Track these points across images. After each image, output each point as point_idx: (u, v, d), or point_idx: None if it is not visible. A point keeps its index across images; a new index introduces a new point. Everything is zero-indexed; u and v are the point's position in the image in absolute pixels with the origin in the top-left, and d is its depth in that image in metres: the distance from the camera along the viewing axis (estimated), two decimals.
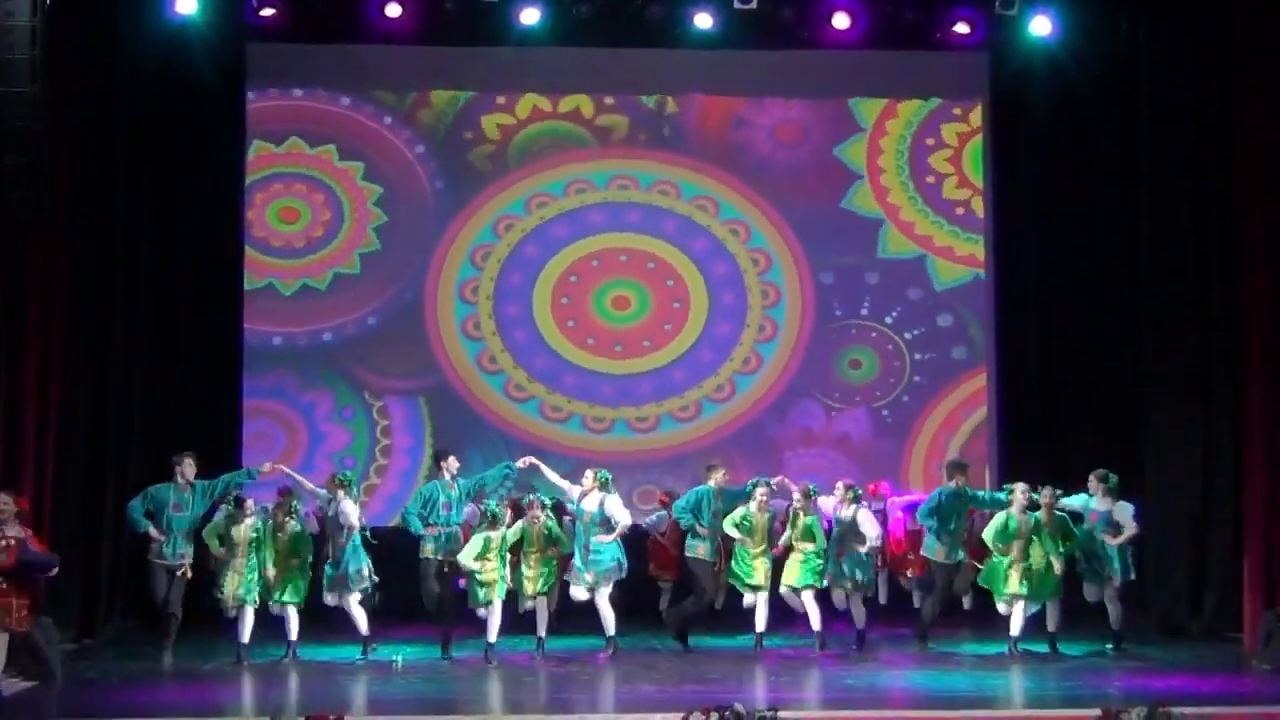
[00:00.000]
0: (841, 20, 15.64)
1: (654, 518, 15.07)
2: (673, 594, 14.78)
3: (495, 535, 13.05)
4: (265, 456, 14.87)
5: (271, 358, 16.05)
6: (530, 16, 15.42)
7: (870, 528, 13.60)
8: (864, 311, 16.50)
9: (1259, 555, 13.65)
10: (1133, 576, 13.62)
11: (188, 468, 13.31)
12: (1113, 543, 13.46)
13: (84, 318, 14.37)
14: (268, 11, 15.40)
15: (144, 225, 15.28)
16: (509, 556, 13.29)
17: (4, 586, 11.32)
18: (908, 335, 16.48)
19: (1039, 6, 15.42)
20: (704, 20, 15.53)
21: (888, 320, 16.47)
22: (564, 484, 13.81)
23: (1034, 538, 13.27)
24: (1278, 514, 13.62)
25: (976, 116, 16.63)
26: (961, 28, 15.87)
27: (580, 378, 16.34)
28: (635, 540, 14.50)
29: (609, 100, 16.52)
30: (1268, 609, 13.17)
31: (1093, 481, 13.65)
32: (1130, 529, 13.51)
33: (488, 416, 16.23)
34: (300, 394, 16.10)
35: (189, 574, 13.23)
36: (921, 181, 16.57)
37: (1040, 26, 15.52)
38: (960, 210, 16.55)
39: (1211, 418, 14.68)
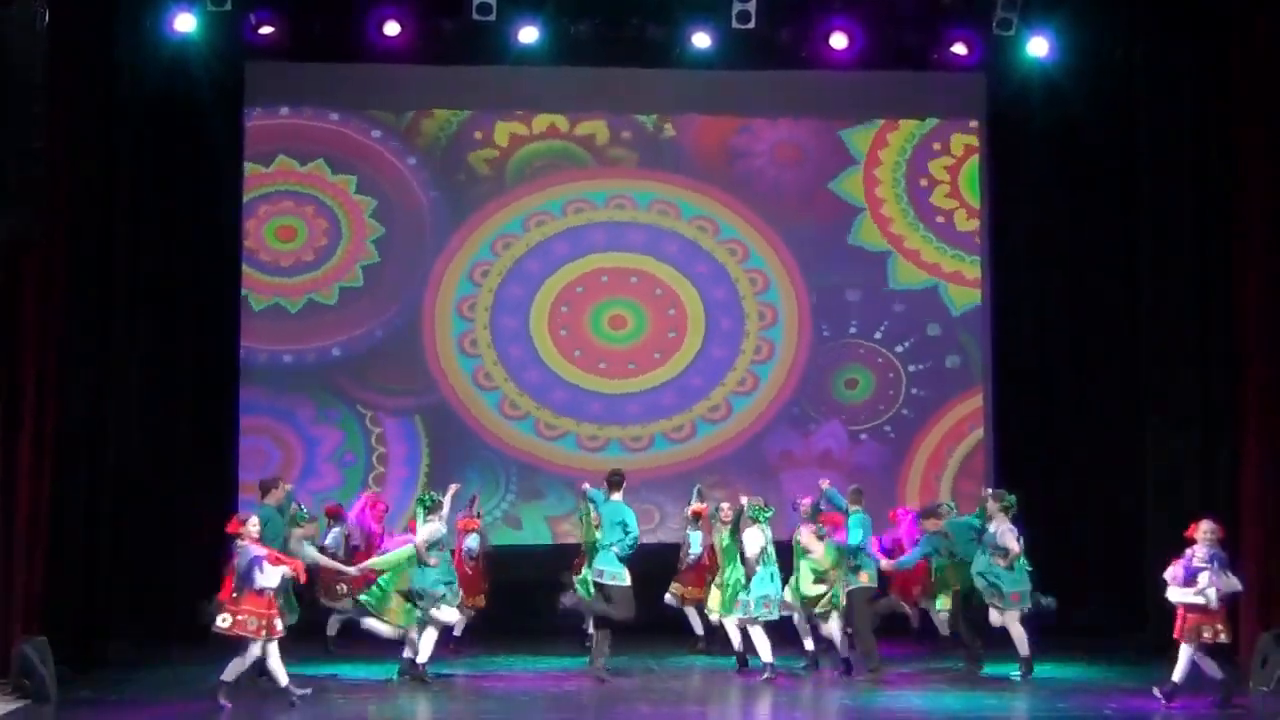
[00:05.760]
0: (839, 41, 15.72)
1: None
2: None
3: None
4: (260, 472, 14.98)
5: (267, 374, 16.13)
6: (529, 35, 15.48)
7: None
8: (855, 329, 16.62)
9: (1256, 577, 13.61)
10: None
11: None
12: (1002, 565, 13.00)
13: (83, 330, 14.25)
14: (266, 30, 15.47)
15: (142, 238, 15.27)
16: None
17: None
18: (899, 349, 16.59)
19: (1036, 28, 15.49)
20: (702, 40, 15.59)
21: (877, 336, 16.58)
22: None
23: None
24: (1273, 534, 13.59)
25: (958, 145, 16.71)
26: (959, 48, 15.96)
27: (603, 401, 16.49)
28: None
29: (597, 119, 16.58)
30: (1264, 630, 13.15)
31: (990, 503, 13.22)
32: (1013, 550, 12.97)
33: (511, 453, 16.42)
34: (297, 410, 16.18)
35: None
36: (931, 220, 16.69)
37: (1038, 47, 15.58)
38: (977, 240, 16.68)
39: (1210, 421, 14.64)
